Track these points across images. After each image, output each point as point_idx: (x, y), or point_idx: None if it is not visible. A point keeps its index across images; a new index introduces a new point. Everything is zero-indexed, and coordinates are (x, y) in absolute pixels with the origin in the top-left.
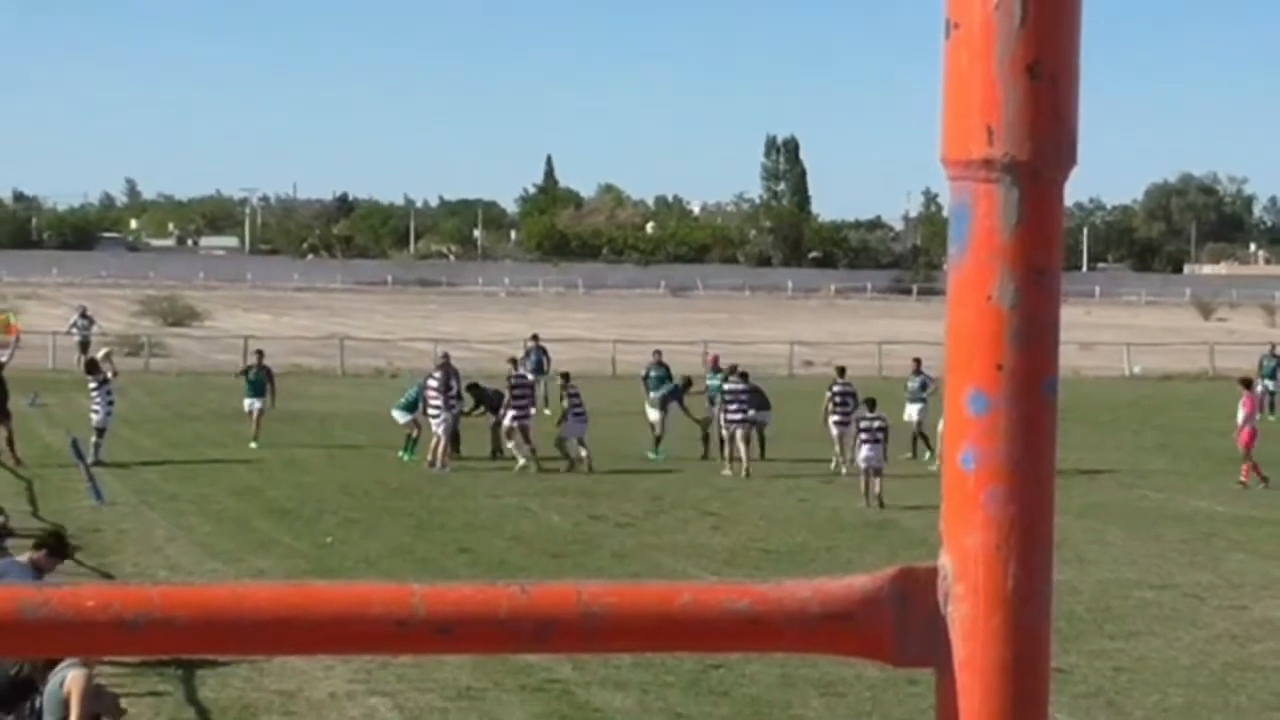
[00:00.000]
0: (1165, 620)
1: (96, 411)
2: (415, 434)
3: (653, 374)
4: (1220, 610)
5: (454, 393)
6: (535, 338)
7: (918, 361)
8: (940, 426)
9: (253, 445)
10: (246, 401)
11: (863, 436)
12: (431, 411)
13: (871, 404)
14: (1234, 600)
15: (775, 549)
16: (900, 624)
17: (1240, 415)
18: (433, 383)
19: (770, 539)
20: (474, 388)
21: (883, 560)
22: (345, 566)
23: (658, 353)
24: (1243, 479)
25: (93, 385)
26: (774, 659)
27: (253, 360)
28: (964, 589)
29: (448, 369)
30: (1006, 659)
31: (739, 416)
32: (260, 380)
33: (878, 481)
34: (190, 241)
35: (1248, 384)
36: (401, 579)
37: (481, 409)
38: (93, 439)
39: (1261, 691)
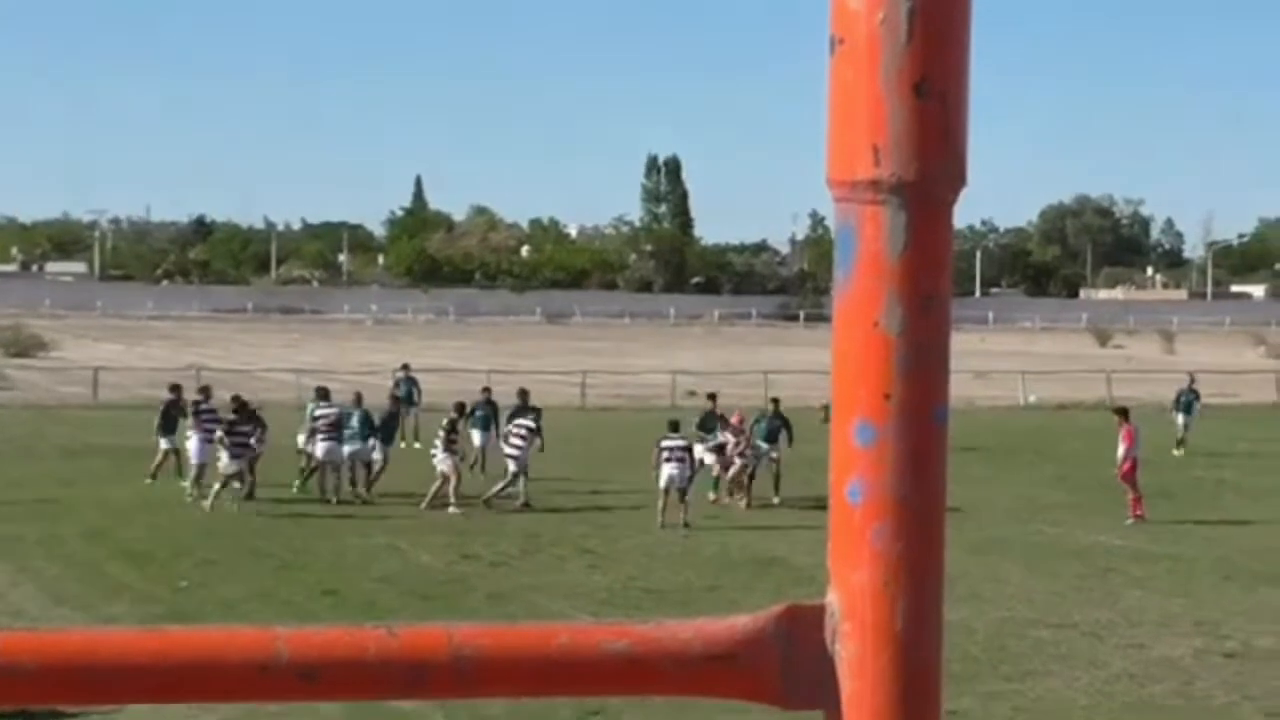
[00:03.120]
0: (1063, 660)
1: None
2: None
3: (478, 412)
4: (1119, 649)
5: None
6: (406, 367)
7: (775, 402)
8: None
9: (185, 483)
10: (161, 440)
11: (664, 456)
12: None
13: (675, 426)
14: (1133, 639)
15: (657, 588)
16: (787, 664)
17: (1121, 449)
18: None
19: (651, 578)
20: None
21: (769, 599)
22: (203, 611)
23: (486, 390)
24: (1138, 513)
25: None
26: (655, 703)
27: (168, 395)
28: (851, 626)
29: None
30: (895, 698)
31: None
32: (175, 413)
33: (683, 504)
34: (35, 267)
35: (1125, 414)
36: (263, 623)
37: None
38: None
39: None
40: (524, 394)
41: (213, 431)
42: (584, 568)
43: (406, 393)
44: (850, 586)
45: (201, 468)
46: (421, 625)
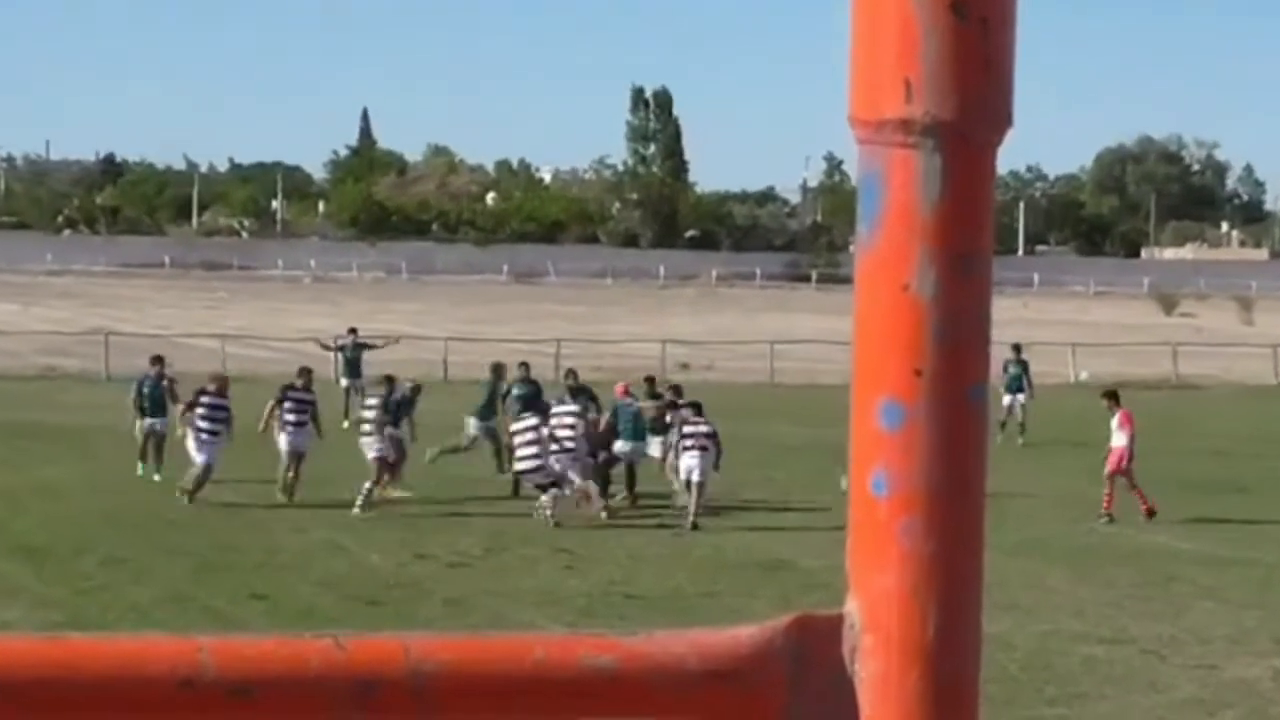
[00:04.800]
0: (1118, 681)
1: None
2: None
3: (515, 390)
4: (1184, 670)
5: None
6: (354, 333)
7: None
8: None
9: (157, 477)
10: (145, 422)
11: (686, 444)
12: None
13: (698, 408)
14: (1201, 658)
15: (644, 594)
16: (796, 683)
17: (1121, 437)
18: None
19: (637, 582)
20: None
21: (775, 607)
22: (109, 618)
23: (524, 365)
24: (1106, 509)
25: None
26: None
27: (149, 370)
28: (874, 640)
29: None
30: None
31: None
32: (159, 394)
33: (695, 498)
34: None
35: (1116, 398)
36: (182, 631)
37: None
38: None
39: None
40: (570, 375)
41: (218, 428)
42: (558, 570)
43: (352, 363)
44: (873, 593)
45: (208, 469)
46: (374, 635)
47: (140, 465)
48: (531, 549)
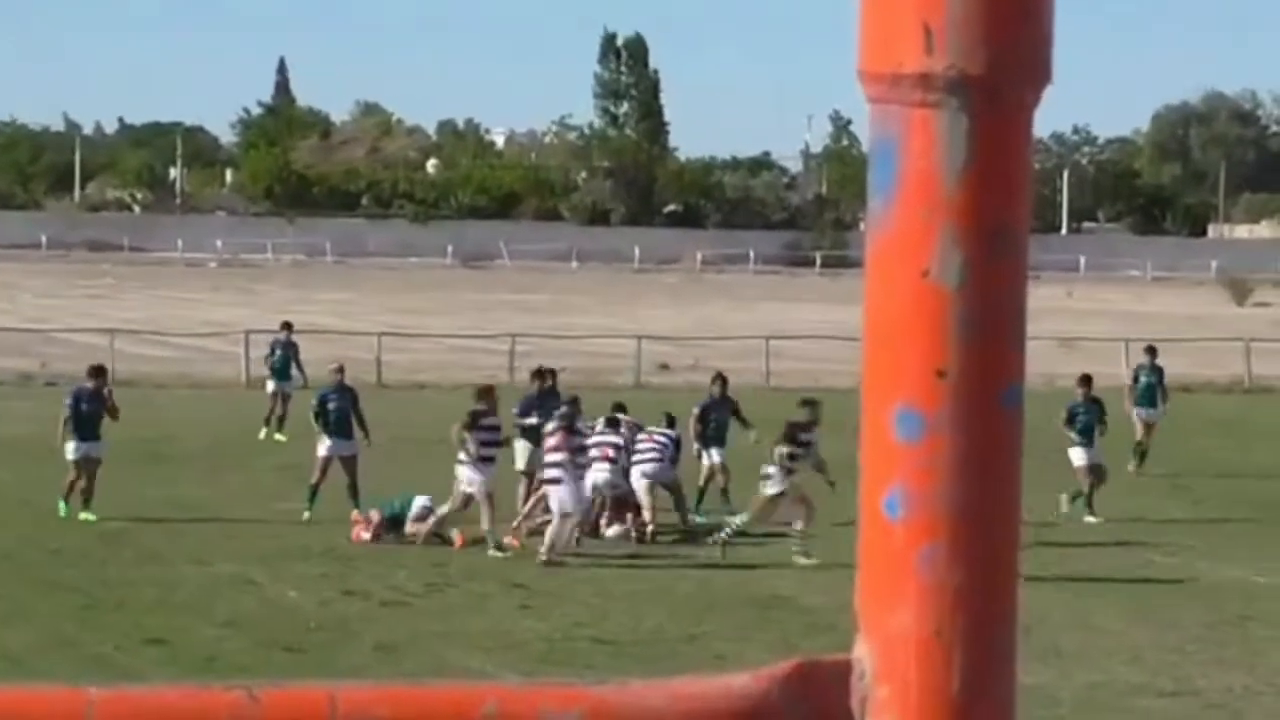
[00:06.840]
0: None
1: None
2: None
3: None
4: None
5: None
6: (288, 327)
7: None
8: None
9: (85, 516)
10: (71, 446)
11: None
12: None
13: (671, 421)
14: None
15: (614, 638)
16: None
17: None
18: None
19: (607, 624)
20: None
21: (772, 652)
22: None
23: (551, 374)
24: None
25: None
26: None
27: (86, 384)
28: (890, 692)
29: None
30: None
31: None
32: (98, 412)
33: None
34: None
35: None
36: (65, 682)
37: None
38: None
39: None
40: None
41: (493, 454)
42: (512, 609)
43: (283, 363)
44: (888, 635)
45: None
46: (294, 685)
47: (63, 504)
48: (480, 584)
